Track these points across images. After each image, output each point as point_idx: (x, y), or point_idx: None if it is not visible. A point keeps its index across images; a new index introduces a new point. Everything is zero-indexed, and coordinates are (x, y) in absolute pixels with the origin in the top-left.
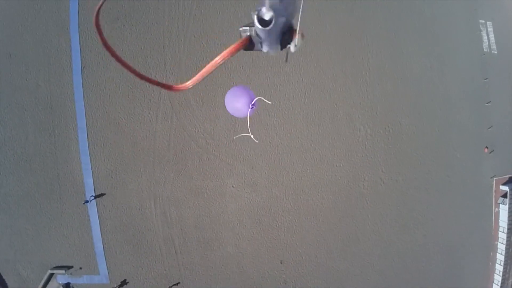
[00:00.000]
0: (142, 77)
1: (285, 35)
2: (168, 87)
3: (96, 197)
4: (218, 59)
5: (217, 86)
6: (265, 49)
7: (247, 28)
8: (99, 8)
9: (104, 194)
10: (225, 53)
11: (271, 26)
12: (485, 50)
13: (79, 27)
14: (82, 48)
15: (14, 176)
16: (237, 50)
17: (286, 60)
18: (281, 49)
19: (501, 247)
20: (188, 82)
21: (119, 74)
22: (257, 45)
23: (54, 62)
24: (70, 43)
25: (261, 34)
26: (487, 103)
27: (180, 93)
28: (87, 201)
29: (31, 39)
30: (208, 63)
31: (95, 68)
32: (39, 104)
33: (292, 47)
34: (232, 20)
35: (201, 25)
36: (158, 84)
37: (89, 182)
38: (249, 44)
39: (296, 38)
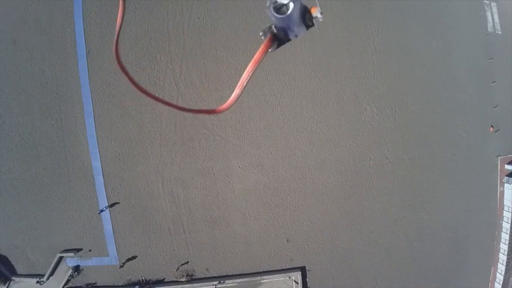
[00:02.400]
0: (182, 109)
1: (305, 15)
2: (211, 112)
3: (110, 206)
4: (246, 74)
5: (222, 68)
6: (292, 36)
7: (267, 29)
8: (117, 46)
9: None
10: (252, 62)
11: (291, 9)
12: (489, 30)
13: (82, 11)
14: (86, 33)
15: (22, 162)
16: (263, 54)
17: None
18: (307, 28)
19: (506, 226)
20: (227, 102)
21: (124, 58)
22: (284, 37)
23: (58, 47)
24: (74, 28)
25: (284, 23)
26: (492, 82)
27: (186, 75)
28: (102, 211)
29: (34, 25)
30: (241, 76)
31: (99, 52)
32: (44, 90)
33: (319, 15)
34: (236, 1)
35: (205, 7)
36: (200, 111)
37: (97, 165)
38: (275, 41)
39: (318, 9)
